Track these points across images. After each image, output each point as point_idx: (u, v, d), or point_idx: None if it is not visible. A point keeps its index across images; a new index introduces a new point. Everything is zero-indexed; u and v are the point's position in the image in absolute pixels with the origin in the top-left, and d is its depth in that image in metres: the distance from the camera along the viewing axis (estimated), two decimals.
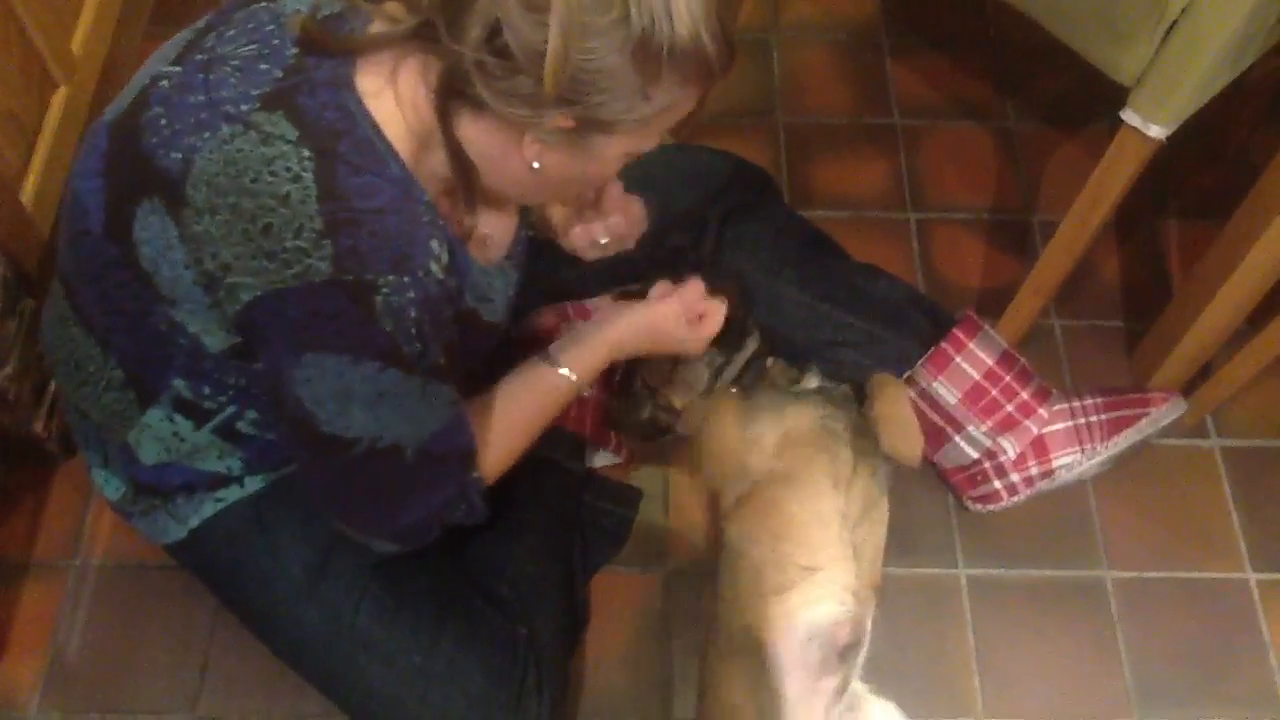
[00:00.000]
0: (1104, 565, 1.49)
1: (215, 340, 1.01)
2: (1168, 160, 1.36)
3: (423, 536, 1.11)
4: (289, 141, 0.92)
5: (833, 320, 1.49)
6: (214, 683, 1.41)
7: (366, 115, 0.95)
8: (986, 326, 1.50)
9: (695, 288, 1.28)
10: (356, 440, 0.99)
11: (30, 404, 1.45)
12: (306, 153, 0.92)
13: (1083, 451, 1.47)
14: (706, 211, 1.50)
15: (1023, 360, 1.49)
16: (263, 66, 0.97)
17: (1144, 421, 1.47)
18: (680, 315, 1.26)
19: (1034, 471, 1.47)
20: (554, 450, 1.45)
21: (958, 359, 1.47)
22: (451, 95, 0.95)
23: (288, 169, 0.92)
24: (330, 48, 0.96)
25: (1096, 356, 1.65)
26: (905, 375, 1.47)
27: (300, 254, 0.91)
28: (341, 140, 0.94)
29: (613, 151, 1.01)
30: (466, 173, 1.02)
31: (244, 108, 0.94)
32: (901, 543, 1.48)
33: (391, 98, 0.97)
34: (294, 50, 0.97)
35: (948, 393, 1.47)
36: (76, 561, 1.48)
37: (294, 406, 0.98)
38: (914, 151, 1.85)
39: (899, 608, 1.44)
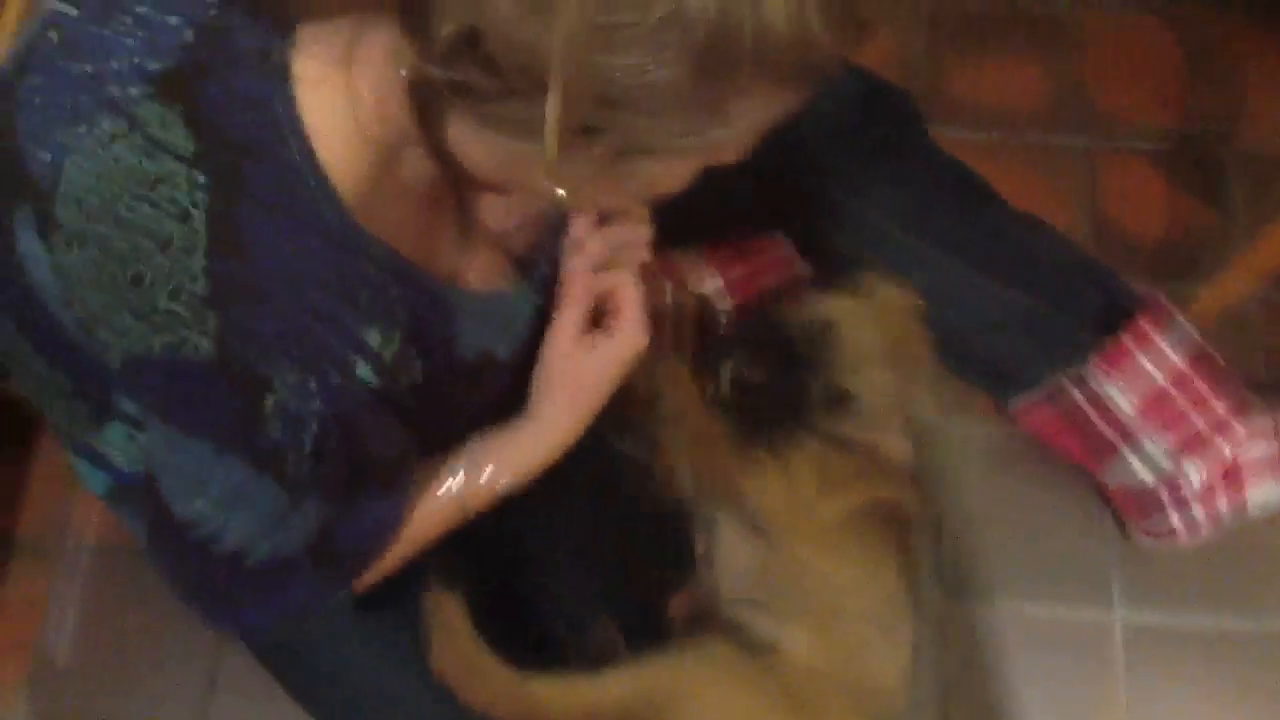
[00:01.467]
0: None
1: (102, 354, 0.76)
2: None
3: (278, 626, 0.90)
4: (181, 158, 0.64)
5: (980, 291, 1.21)
6: (225, 692, 1.23)
7: (297, 125, 0.65)
8: (1178, 314, 1.20)
9: (573, 280, 0.92)
10: (194, 525, 0.75)
11: None
12: (202, 179, 0.64)
13: None
14: (834, 147, 1.19)
15: (1219, 359, 1.20)
16: (172, 20, 0.67)
17: None
18: (576, 327, 0.90)
19: (1223, 508, 1.20)
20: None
21: (1140, 356, 1.18)
22: (430, 98, 0.66)
23: (174, 200, 0.64)
24: (267, 11, 0.66)
25: None
26: (1074, 371, 1.19)
27: (175, 322, 0.65)
28: (255, 164, 0.65)
29: (678, 173, 0.71)
30: (459, 190, 0.75)
31: (134, 90, 0.65)
32: (1044, 574, 1.26)
33: (339, 93, 0.67)
34: None
35: (1123, 399, 1.19)
36: (67, 541, 1.29)
37: (147, 455, 0.76)
38: (1085, 52, 1.50)
39: (1035, 656, 1.22)
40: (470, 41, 0.58)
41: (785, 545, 1.08)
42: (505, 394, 0.93)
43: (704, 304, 1.26)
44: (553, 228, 0.94)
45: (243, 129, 0.65)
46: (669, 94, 0.59)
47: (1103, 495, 1.27)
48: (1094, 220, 1.42)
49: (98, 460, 0.96)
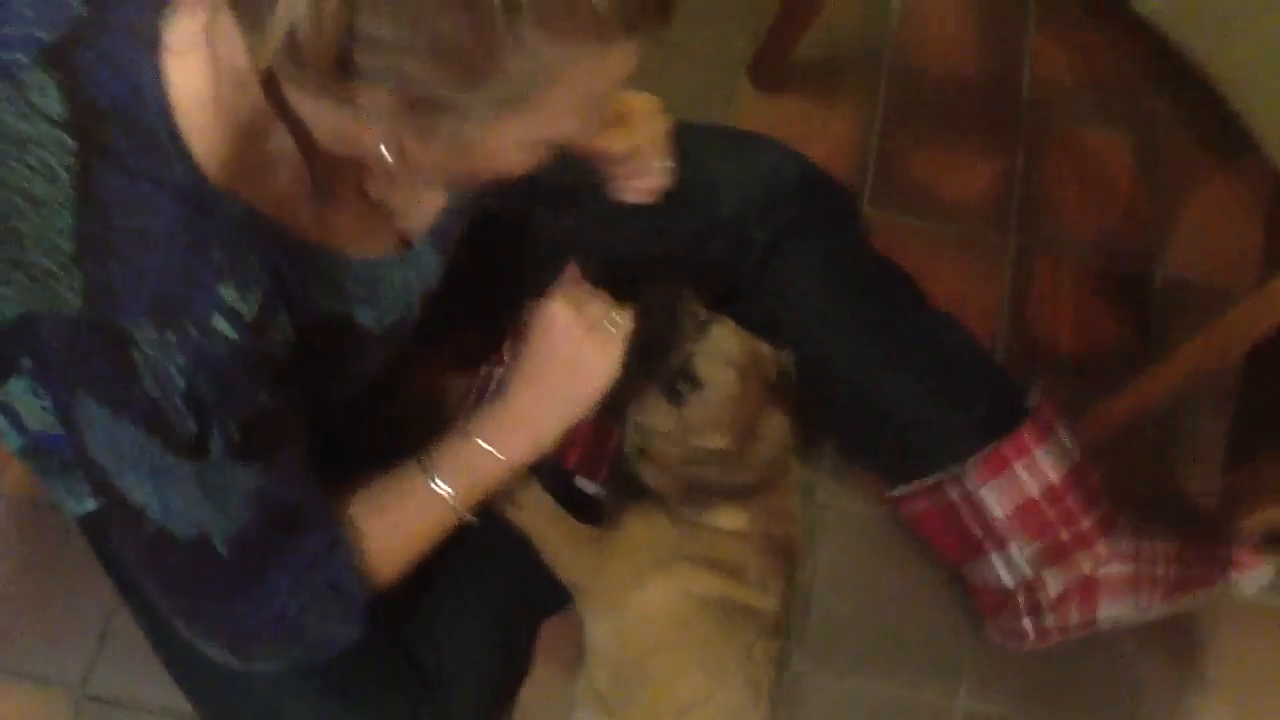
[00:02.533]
0: None
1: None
2: None
3: (279, 649, 0.90)
4: (51, 120, 0.68)
5: (876, 381, 1.23)
6: (110, 658, 1.28)
7: (159, 92, 0.69)
8: (1060, 429, 1.23)
9: (574, 275, 1.01)
10: (143, 511, 0.78)
11: None
12: (70, 141, 0.68)
13: (1136, 605, 1.23)
14: (758, 222, 1.21)
15: (1095, 476, 1.23)
16: None
17: (1218, 587, 1.23)
18: (573, 321, 0.97)
19: (1074, 619, 1.24)
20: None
21: (1017, 466, 1.21)
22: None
23: (44, 161, 0.68)
24: None
25: (1188, 466, 1.38)
26: (952, 471, 1.23)
27: (49, 277, 0.69)
28: (119, 131, 0.69)
29: (496, 139, 0.71)
30: (310, 158, 0.75)
31: (20, 57, 0.69)
32: (902, 653, 1.31)
33: (203, 61, 0.69)
34: None
35: (996, 503, 1.22)
36: None
37: (79, 448, 0.77)
38: (1036, 152, 1.52)
39: None
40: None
41: (636, 643, 1.15)
42: (377, 362, 0.96)
43: None
44: (455, 212, 0.96)
45: (110, 96, 0.69)
46: (429, 43, 0.61)
47: (965, 588, 1.31)
48: (1013, 317, 1.44)
49: (11, 417, 0.99)
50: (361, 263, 0.87)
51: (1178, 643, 1.32)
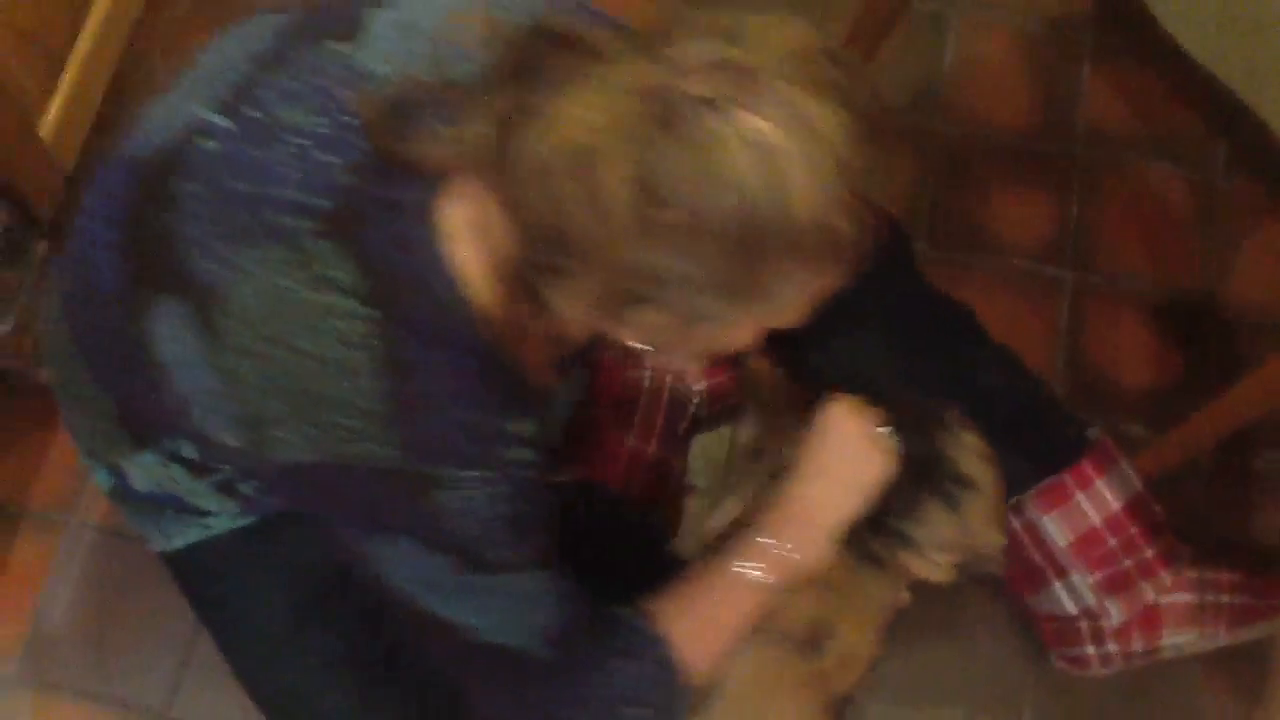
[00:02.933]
0: None
1: (228, 439, 0.85)
2: None
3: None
4: (350, 294, 0.74)
5: (941, 419, 1.24)
6: (191, 684, 1.33)
7: (445, 270, 0.76)
8: (1122, 460, 1.25)
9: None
10: (462, 628, 0.85)
11: (34, 353, 1.32)
12: (369, 312, 0.74)
13: (1201, 634, 1.24)
14: None
15: (1157, 508, 1.24)
16: (328, 158, 0.77)
17: None
18: (858, 421, 1.03)
19: (1137, 647, 1.25)
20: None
21: (1079, 496, 1.23)
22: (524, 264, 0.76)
23: (345, 331, 0.74)
24: (412, 167, 0.75)
25: (1255, 501, 1.38)
26: (1012, 502, 1.24)
27: (357, 435, 0.76)
28: (415, 301, 0.75)
29: (732, 335, 0.80)
30: (560, 342, 0.85)
31: (299, 224, 0.76)
32: (962, 684, 1.31)
33: (478, 241, 0.76)
34: (366, 144, 0.77)
35: (1058, 533, 1.24)
36: (73, 519, 1.40)
37: (377, 583, 0.85)
38: (1090, 193, 1.54)
39: None
40: (549, 235, 0.69)
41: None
42: None
43: (675, 392, 1.34)
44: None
45: (401, 271, 0.75)
46: (708, 278, 0.69)
47: (1027, 614, 1.31)
48: (1071, 355, 1.45)
49: (112, 470, 1.04)
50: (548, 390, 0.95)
51: (1243, 671, 1.31)
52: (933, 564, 1.12)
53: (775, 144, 0.66)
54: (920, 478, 1.11)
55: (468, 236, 0.76)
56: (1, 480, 1.40)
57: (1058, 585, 1.26)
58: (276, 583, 1.08)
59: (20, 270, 1.26)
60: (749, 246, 0.68)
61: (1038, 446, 1.26)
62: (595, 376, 1.32)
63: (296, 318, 0.75)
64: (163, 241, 0.80)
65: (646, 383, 1.32)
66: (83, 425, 1.04)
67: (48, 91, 1.28)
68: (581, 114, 0.66)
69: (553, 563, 0.88)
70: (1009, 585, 1.30)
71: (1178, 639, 1.25)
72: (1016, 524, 1.25)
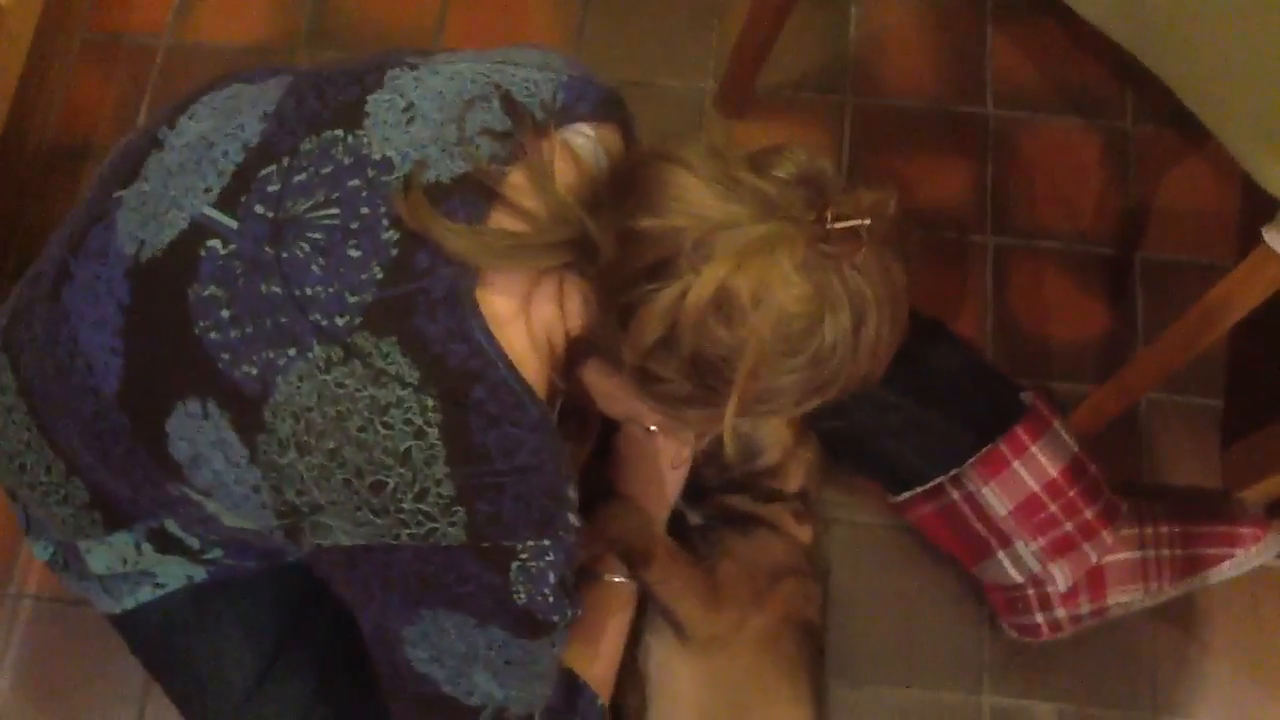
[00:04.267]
0: (1152, 709, 1.29)
1: (248, 524, 0.87)
2: None
3: None
4: (409, 385, 0.75)
5: (884, 403, 1.26)
6: None
7: (501, 354, 0.77)
8: (1056, 423, 1.25)
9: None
10: (480, 709, 0.89)
11: None
12: (431, 402, 0.75)
13: (1146, 591, 1.25)
14: None
15: (1093, 467, 1.25)
16: (354, 253, 0.77)
17: (1227, 565, 1.25)
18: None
19: (1084, 609, 1.26)
20: None
21: (1015, 464, 1.24)
22: (589, 349, 0.84)
23: (408, 421, 0.75)
24: (447, 247, 0.76)
25: (1186, 444, 1.39)
26: (951, 474, 1.25)
27: (423, 518, 0.77)
28: (475, 387, 0.76)
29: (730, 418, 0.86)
30: (585, 414, 0.95)
31: (340, 321, 0.75)
32: (921, 657, 1.32)
33: (525, 327, 0.80)
34: (392, 233, 0.77)
35: (998, 502, 1.24)
36: (10, 589, 1.36)
37: (404, 667, 0.87)
38: (1004, 153, 1.53)
39: None
40: (667, 339, 0.75)
41: (729, 679, 1.17)
42: None
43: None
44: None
45: (458, 359, 0.76)
46: (779, 397, 0.80)
47: (977, 587, 1.32)
48: (998, 316, 1.45)
49: (64, 549, 1.04)
50: None
51: (1190, 615, 1.33)
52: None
53: (868, 298, 0.77)
54: None
55: (520, 326, 0.79)
56: None
57: (1002, 554, 1.26)
58: (234, 635, 1.07)
59: None
60: (820, 374, 0.78)
61: (973, 416, 1.27)
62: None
63: (354, 411, 0.75)
64: (184, 350, 0.79)
65: None
66: (35, 509, 1.02)
67: None
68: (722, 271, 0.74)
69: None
70: (954, 557, 1.30)
71: (1123, 597, 1.26)
72: (956, 495, 1.26)
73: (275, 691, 1.08)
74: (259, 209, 0.79)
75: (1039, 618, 1.27)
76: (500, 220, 0.79)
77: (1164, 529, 1.26)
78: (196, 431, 0.81)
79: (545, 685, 0.92)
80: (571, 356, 0.86)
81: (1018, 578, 1.26)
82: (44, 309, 0.89)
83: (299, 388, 0.76)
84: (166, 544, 0.98)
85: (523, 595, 0.82)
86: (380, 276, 0.77)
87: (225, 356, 0.78)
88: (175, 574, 1.03)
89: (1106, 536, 1.25)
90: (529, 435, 0.79)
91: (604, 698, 1.04)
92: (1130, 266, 1.47)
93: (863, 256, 0.76)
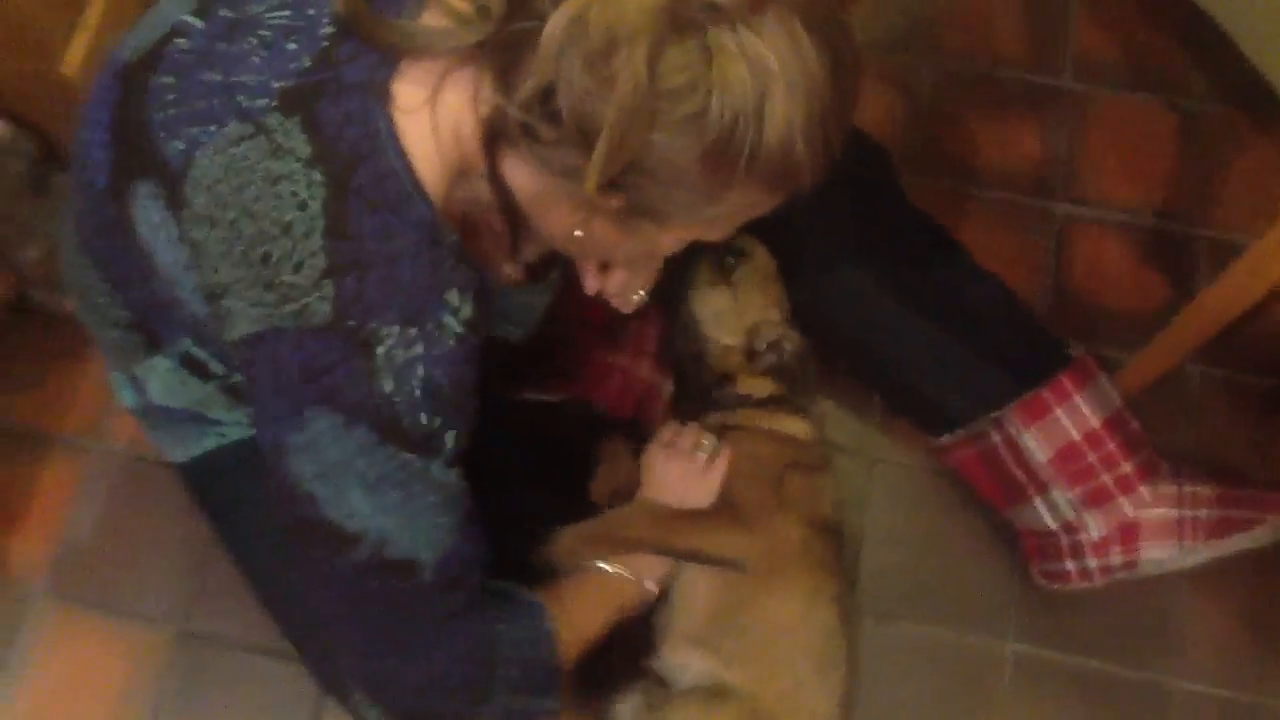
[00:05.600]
0: (1174, 672, 1.31)
1: (221, 333, 0.90)
2: None
3: (472, 703, 0.95)
4: (300, 159, 0.80)
5: (916, 333, 1.28)
6: (207, 598, 1.39)
7: (395, 141, 0.81)
8: (1101, 376, 1.28)
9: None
10: (359, 537, 0.86)
11: (60, 282, 1.39)
12: (318, 177, 0.79)
13: (1180, 548, 1.26)
14: None
15: (1135, 423, 1.27)
16: (291, 46, 0.82)
17: (1260, 530, 1.25)
18: (668, 457, 1.19)
19: (1115, 560, 1.27)
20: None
21: (1058, 411, 1.26)
22: (498, 135, 0.81)
23: (294, 193, 0.79)
24: (374, 39, 0.80)
25: (1233, 419, 1.41)
26: (993, 416, 1.28)
27: (298, 292, 0.80)
28: (360, 168, 0.80)
29: (669, 239, 0.87)
30: (513, 217, 0.89)
31: (260, 102, 0.81)
32: (950, 598, 1.35)
33: (428, 120, 0.82)
34: (329, 29, 0.82)
35: (1037, 448, 1.26)
36: (100, 445, 1.47)
37: (291, 486, 0.86)
38: (1078, 124, 1.57)
39: (929, 671, 1.31)
40: (544, 97, 0.75)
41: (742, 582, 1.18)
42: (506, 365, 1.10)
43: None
44: (562, 263, 1.09)
45: (350, 141, 0.80)
46: (679, 172, 0.76)
47: (1012, 532, 1.35)
48: (1058, 282, 1.48)
49: (134, 382, 1.11)
50: (507, 289, 1.02)
51: (1224, 584, 1.34)
52: (726, 352, 1.26)
53: (769, 67, 0.73)
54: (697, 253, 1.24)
55: (423, 116, 0.81)
56: (34, 407, 1.48)
57: (1038, 500, 1.29)
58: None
59: (45, 201, 1.33)
60: (721, 151, 0.75)
61: (1018, 361, 1.28)
62: (582, 300, 1.37)
63: (252, 182, 0.80)
64: (139, 132, 0.86)
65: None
66: (104, 337, 1.10)
67: (69, 27, 1.33)
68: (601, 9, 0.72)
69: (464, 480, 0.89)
70: (991, 500, 1.33)
71: (1155, 553, 1.27)
72: (997, 439, 1.29)
73: None
74: (223, 12, 0.86)
75: (1069, 565, 1.29)
76: (432, 20, 0.82)
77: (1202, 490, 1.27)
78: (150, 213, 0.87)
79: (431, 529, 0.88)
80: (489, 152, 0.84)
81: (1052, 524, 1.28)
82: (79, 124, 0.97)
83: (212, 161, 0.81)
84: (196, 367, 1.02)
85: (389, 384, 0.81)
86: (306, 65, 0.81)
87: (162, 135, 0.84)
88: (237, 420, 1.10)
89: (1144, 491, 1.26)
90: (407, 229, 0.81)
91: (562, 653, 1.00)
92: (1194, 244, 1.49)
93: (765, 23, 0.73)
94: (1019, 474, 1.29)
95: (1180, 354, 1.29)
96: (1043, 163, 1.55)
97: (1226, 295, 1.15)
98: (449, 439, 0.85)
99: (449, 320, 0.83)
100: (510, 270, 1.03)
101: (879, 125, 1.40)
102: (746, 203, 0.81)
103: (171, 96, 0.84)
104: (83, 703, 1.35)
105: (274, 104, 0.80)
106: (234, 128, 0.81)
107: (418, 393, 0.82)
